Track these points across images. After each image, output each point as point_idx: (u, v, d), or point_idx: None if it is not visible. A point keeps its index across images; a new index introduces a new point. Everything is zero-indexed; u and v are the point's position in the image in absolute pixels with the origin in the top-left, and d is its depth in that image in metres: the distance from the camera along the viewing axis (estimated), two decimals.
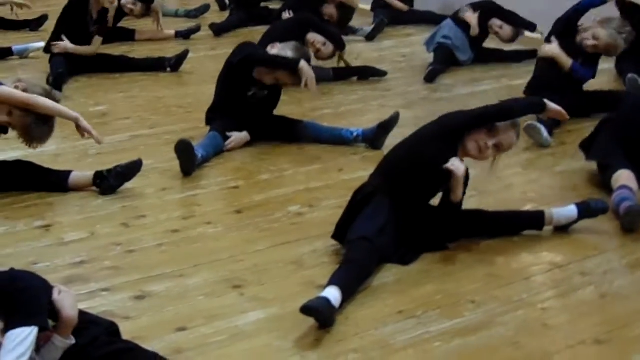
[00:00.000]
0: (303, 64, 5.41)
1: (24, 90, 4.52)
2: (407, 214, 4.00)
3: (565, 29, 6.07)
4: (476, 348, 3.32)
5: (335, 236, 4.05)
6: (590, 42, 5.94)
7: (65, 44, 6.96)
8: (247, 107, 5.52)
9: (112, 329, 2.98)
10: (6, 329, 2.61)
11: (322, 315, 3.35)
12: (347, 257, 3.79)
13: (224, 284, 3.75)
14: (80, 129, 4.64)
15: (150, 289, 3.70)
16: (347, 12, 8.21)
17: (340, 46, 6.98)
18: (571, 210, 4.33)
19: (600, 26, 5.92)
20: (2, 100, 4.48)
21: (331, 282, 3.53)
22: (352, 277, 3.65)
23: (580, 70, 6.09)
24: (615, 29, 5.92)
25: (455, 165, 3.96)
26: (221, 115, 5.52)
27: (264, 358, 3.22)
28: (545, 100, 4.30)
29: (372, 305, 3.61)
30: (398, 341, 3.35)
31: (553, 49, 6.09)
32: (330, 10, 7.97)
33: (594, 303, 3.72)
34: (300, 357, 3.22)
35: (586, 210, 4.34)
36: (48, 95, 4.63)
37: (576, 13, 6.06)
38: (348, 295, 3.57)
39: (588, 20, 6.07)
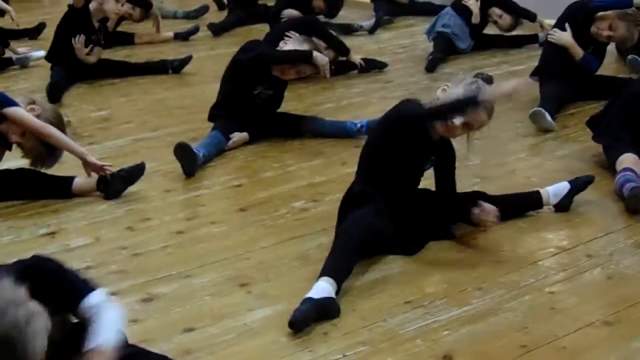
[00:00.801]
0: (316, 54, 5.49)
1: (38, 115, 4.58)
2: (400, 204, 3.98)
3: (584, 18, 6.03)
4: (485, 334, 3.32)
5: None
6: (606, 33, 5.93)
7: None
8: (252, 106, 5.53)
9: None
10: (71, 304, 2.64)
11: (303, 324, 3.33)
12: (337, 233, 3.83)
13: (231, 282, 3.76)
14: (87, 166, 4.67)
15: (157, 291, 3.70)
16: (335, 1, 8.22)
17: (342, 53, 6.97)
18: (562, 184, 4.39)
19: (618, 18, 5.89)
20: (18, 123, 4.54)
21: (321, 273, 3.53)
22: (343, 256, 3.64)
23: (591, 62, 6.08)
24: (633, 21, 5.91)
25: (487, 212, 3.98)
26: (225, 113, 5.53)
27: (273, 354, 3.21)
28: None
29: (379, 296, 3.61)
30: (406, 331, 3.35)
31: (566, 37, 6.07)
32: (318, 2, 8.01)
33: (601, 284, 3.71)
34: (309, 351, 3.22)
35: (575, 181, 4.40)
36: (60, 120, 4.65)
37: (598, 9, 6.00)
38: (344, 276, 3.57)
39: None
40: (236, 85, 5.53)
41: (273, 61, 5.48)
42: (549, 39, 6.22)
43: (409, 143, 3.95)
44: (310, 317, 3.35)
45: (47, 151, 4.62)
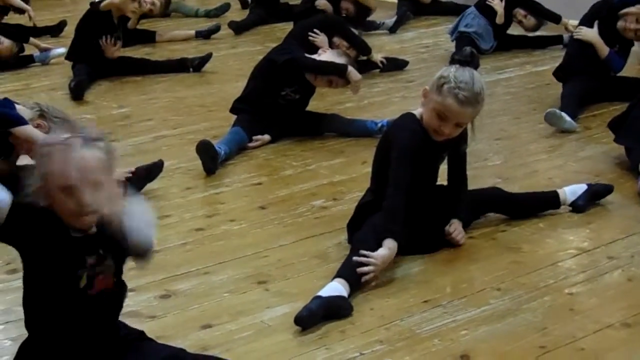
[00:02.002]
0: (351, 69, 5.53)
1: (48, 131, 4.48)
2: (418, 204, 3.91)
3: (609, 14, 6.00)
4: (503, 335, 3.30)
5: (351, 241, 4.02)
6: (634, 26, 5.88)
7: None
8: (276, 106, 5.54)
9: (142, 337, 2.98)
10: None
11: (308, 321, 3.33)
12: (355, 240, 3.81)
13: (249, 280, 3.75)
14: None
15: (176, 287, 3.70)
16: (364, 11, 8.18)
17: (364, 52, 6.96)
18: (580, 185, 4.37)
19: None
20: (30, 141, 4.41)
21: (336, 275, 3.53)
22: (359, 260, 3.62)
23: (616, 60, 6.05)
24: None
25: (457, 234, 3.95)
26: (248, 108, 5.54)
27: (290, 352, 3.20)
28: None
29: (397, 295, 3.60)
30: (424, 330, 3.33)
31: (591, 34, 6.04)
32: (347, 5, 7.98)
33: (622, 286, 3.68)
34: (326, 349, 3.21)
35: (594, 185, 4.39)
36: (68, 124, 4.62)
37: (623, 4, 5.96)
38: (358, 280, 3.56)
39: None
40: (265, 83, 5.55)
41: (307, 68, 5.50)
42: (574, 37, 6.20)
43: (416, 148, 3.87)
44: (317, 315, 3.34)
45: None
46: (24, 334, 2.90)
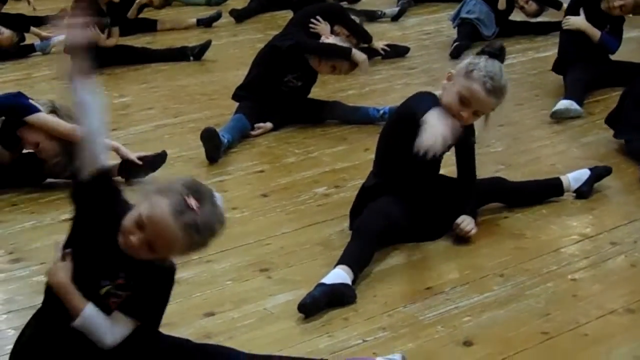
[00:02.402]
0: (355, 51, 5.54)
1: None
2: (420, 192, 3.94)
3: None
4: (506, 321, 3.29)
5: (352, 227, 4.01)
6: (617, 3, 5.84)
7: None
8: (278, 93, 5.53)
9: None
10: None
11: (312, 308, 3.33)
12: (355, 226, 3.79)
13: (251, 267, 3.75)
14: (121, 155, 4.68)
15: (178, 275, 3.59)
16: None
17: (365, 40, 6.94)
18: (583, 171, 4.37)
19: None
20: (47, 129, 4.51)
21: (338, 261, 3.53)
22: (359, 246, 3.63)
23: (610, 41, 6.02)
24: None
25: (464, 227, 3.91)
26: (250, 95, 5.53)
27: (293, 339, 3.20)
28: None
29: (400, 282, 3.60)
30: (427, 317, 3.33)
31: (580, 21, 6.01)
32: None
33: (625, 272, 3.68)
34: (329, 336, 3.21)
35: (596, 169, 4.38)
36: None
37: None
38: (361, 266, 3.57)
39: None
40: (268, 70, 5.54)
41: (312, 51, 5.50)
42: (564, 27, 6.16)
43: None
44: (321, 302, 3.34)
45: (67, 159, 4.56)
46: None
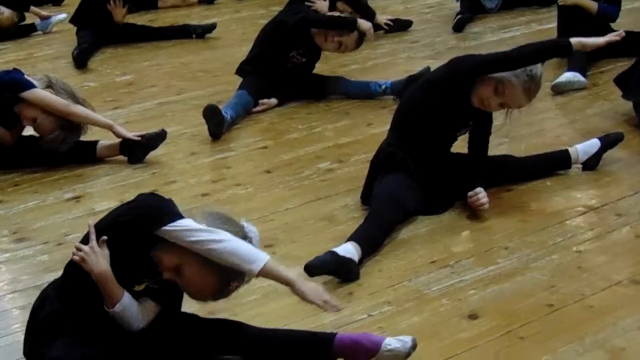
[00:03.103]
0: (361, 20, 5.53)
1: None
2: (431, 166, 3.96)
3: None
4: (511, 294, 3.29)
5: (364, 201, 4.02)
6: None
7: None
8: (282, 69, 5.51)
9: None
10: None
11: (318, 270, 3.34)
12: (370, 211, 3.78)
13: None
14: (116, 134, 4.68)
15: None
16: None
17: (367, 16, 6.89)
18: (593, 142, 4.32)
19: None
20: (40, 105, 4.51)
21: (349, 238, 3.53)
22: (373, 230, 3.63)
23: (608, 10, 5.97)
24: None
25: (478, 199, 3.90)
26: (254, 71, 5.51)
27: (298, 315, 3.19)
28: (572, 40, 3.94)
29: (404, 256, 3.59)
30: (432, 291, 3.32)
31: None
32: None
33: (630, 243, 3.66)
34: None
35: (606, 139, 4.33)
36: (75, 98, 4.61)
37: None
38: (371, 249, 3.56)
39: None
40: (273, 45, 5.52)
41: (319, 24, 5.48)
42: (559, 4, 6.11)
43: (451, 105, 3.90)
44: (327, 266, 3.34)
45: (65, 133, 4.58)
46: (32, 302, 2.92)
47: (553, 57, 3.96)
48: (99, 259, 2.73)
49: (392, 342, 2.79)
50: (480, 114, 3.97)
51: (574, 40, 3.92)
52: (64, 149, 4.59)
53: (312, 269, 3.31)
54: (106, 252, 2.76)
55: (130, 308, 2.79)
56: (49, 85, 4.57)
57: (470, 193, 3.90)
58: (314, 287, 2.76)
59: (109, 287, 2.75)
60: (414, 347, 2.78)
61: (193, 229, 2.70)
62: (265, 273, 2.75)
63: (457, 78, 3.87)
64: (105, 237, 2.76)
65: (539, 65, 3.86)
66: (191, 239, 2.69)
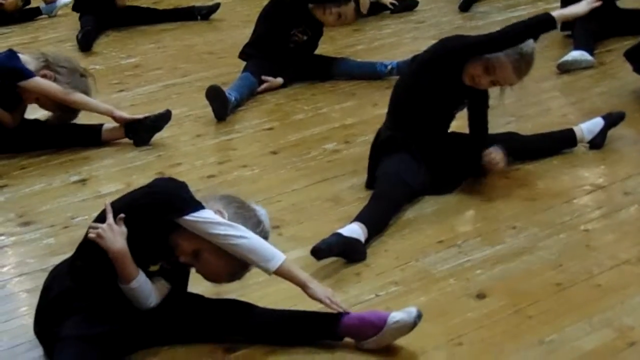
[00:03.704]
0: None
1: (55, 80, 4.52)
2: (432, 146, 3.94)
3: None
4: (519, 273, 3.28)
5: (369, 185, 4.00)
6: None
7: None
8: (285, 49, 5.48)
9: None
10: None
11: (324, 254, 3.32)
12: (375, 191, 3.77)
13: None
14: (116, 119, 4.66)
15: None
16: None
17: None
18: (597, 121, 4.30)
19: None
20: (39, 92, 4.52)
21: (354, 219, 3.51)
22: (379, 210, 3.62)
23: None
24: None
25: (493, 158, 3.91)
26: (258, 53, 5.48)
27: (305, 296, 3.16)
28: (554, 13, 3.92)
29: (411, 236, 3.58)
30: (439, 271, 3.31)
31: None
32: None
33: (638, 222, 3.65)
34: (341, 292, 3.18)
35: (609, 117, 4.31)
36: (74, 71, 4.59)
37: None
38: (377, 229, 3.55)
39: None
40: (273, 25, 5.49)
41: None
42: None
43: (443, 85, 3.89)
44: (334, 249, 3.33)
45: (65, 113, 4.63)
46: (39, 285, 2.92)
47: (539, 33, 3.90)
48: (117, 237, 2.76)
49: (397, 315, 2.79)
50: (474, 91, 3.94)
51: (555, 13, 3.90)
52: (67, 123, 4.64)
53: (319, 253, 3.31)
54: (124, 229, 2.78)
55: (145, 286, 2.82)
56: (46, 65, 4.55)
57: (485, 152, 3.89)
58: (324, 290, 2.88)
59: (126, 264, 2.77)
60: (419, 316, 2.78)
61: (214, 221, 2.76)
62: (280, 272, 2.85)
63: (445, 59, 3.85)
64: (122, 215, 2.77)
65: (530, 42, 3.83)
66: (211, 232, 2.75)
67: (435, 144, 3.97)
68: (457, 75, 3.87)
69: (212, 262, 2.82)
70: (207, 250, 2.78)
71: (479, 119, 4.03)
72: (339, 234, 3.39)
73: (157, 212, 2.75)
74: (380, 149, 3.97)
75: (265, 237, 2.90)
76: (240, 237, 2.76)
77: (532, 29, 3.87)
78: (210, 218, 2.75)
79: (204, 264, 2.82)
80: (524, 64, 3.83)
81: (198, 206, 2.76)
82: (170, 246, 2.78)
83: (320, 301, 2.85)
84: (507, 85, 3.92)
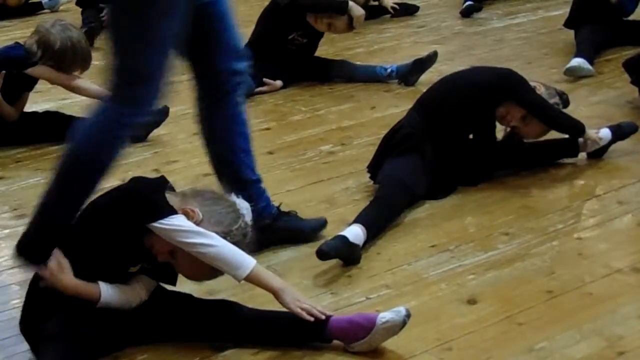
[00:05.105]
0: (352, 4, 5.42)
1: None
2: (444, 153, 3.95)
3: None
4: (510, 279, 3.28)
5: (371, 174, 4.01)
6: None
7: None
8: (284, 52, 5.49)
9: None
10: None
11: (333, 255, 3.32)
12: (377, 194, 3.77)
13: None
14: None
15: None
16: None
17: None
18: (604, 132, 4.26)
19: None
20: (45, 79, 4.64)
21: (355, 220, 3.50)
22: (380, 215, 3.62)
23: (628, 2, 5.94)
24: None
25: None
26: (256, 54, 5.47)
27: None
28: (587, 130, 4.19)
29: (404, 240, 3.58)
30: (431, 275, 3.31)
31: None
32: None
33: (632, 231, 3.65)
34: (332, 294, 3.19)
35: (618, 131, 4.28)
36: (71, 50, 4.60)
37: None
38: (375, 233, 3.54)
39: None
40: (271, 28, 5.50)
41: (306, 8, 5.42)
42: None
43: (482, 111, 4.02)
44: (338, 253, 3.32)
45: None
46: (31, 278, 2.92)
47: (566, 132, 4.26)
48: (58, 275, 2.77)
49: (386, 315, 2.78)
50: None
51: (587, 130, 4.21)
52: None
53: (323, 255, 3.30)
54: (64, 263, 2.78)
55: (115, 298, 2.82)
56: (45, 54, 4.57)
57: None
58: (294, 299, 2.83)
59: (80, 293, 2.78)
60: (408, 315, 2.78)
61: (182, 229, 2.73)
62: (250, 280, 2.83)
63: (502, 94, 4.02)
64: (57, 250, 2.80)
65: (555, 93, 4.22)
66: (179, 240, 2.73)
67: (452, 152, 3.99)
68: (497, 105, 4.02)
69: (187, 263, 2.81)
70: (181, 251, 2.77)
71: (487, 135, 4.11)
72: (345, 238, 3.36)
73: (127, 217, 2.75)
74: (395, 144, 3.96)
75: (246, 232, 2.87)
76: (208, 245, 2.73)
77: (571, 129, 4.19)
78: (179, 225, 2.72)
79: (181, 264, 2.82)
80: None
81: (168, 211, 2.74)
82: (147, 247, 2.79)
83: (290, 310, 2.82)
84: (522, 136, 4.15)
